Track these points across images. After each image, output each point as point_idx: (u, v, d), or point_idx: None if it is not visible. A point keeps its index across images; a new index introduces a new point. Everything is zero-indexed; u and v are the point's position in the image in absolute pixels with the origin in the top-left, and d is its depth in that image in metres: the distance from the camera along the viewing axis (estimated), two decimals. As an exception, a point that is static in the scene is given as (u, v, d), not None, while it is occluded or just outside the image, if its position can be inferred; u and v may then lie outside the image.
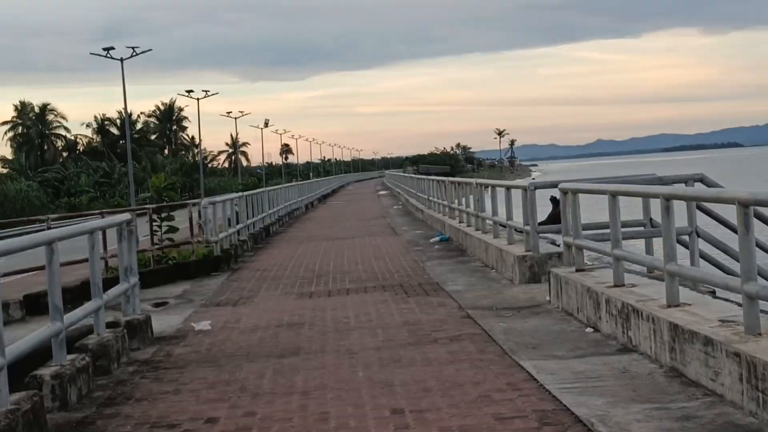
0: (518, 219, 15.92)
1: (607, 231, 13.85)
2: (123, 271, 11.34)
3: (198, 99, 72.96)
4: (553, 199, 46.14)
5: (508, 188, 16.66)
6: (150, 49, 45.07)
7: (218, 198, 22.04)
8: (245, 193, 26.35)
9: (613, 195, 10.08)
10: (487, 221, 19.22)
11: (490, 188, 18.19)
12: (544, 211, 18.79)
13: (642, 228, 13.92)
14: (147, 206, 18.41)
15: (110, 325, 10.67)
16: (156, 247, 18.56)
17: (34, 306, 14.71)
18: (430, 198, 31.82)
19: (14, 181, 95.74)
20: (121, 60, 44.22)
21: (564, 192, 12.06)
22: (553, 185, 14.52)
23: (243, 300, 14.96)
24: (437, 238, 23.57)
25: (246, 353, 10.22)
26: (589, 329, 10.17)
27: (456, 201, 24.48)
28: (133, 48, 44.08)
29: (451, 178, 26.48)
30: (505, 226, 16.44)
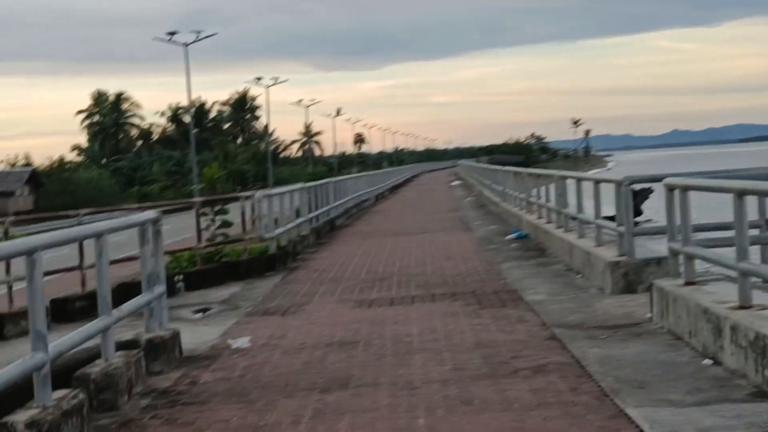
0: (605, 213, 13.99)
1: (711, 235, 11.86)
2: (146, 279, 9.63)
3: (267, 86, 71.70)
4: (633, 191, 43.43)
5: (597, 182, 14.64)
6: (215, 33, 43.95)
7: (274, 191, 20.35)
8: (307, 184, 24.63)
9: (740, 194, 8.06)
10: (572, 218, 17.22)
11: (574, 181, 16.14)
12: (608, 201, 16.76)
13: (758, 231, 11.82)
14: (193, 200, 16.79)
15: (128, 345, 8.99)
16: (204, 245, 16.89)
17: (61, 312, 13.17)
18: (506, 190, 29.78)
19: (87, 169, 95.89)
20: (185, 45, 42.91)
21: (670, 188, 10.05)
22: (653, 179, 12.52)
23: (294, 307, 13.21)
24: (514, 236, 21.59)
25: (284, 383, 8.43)
26: (707, 361, 8.17)
27: (535, 194, 22.47)
28: (197, 32, 42.86)
29: (529, 169, 24.46)
30: (593, 225, 14.42)
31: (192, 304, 14.39)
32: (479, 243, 21.15)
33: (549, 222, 19.43)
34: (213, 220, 18.59)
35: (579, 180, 15.86)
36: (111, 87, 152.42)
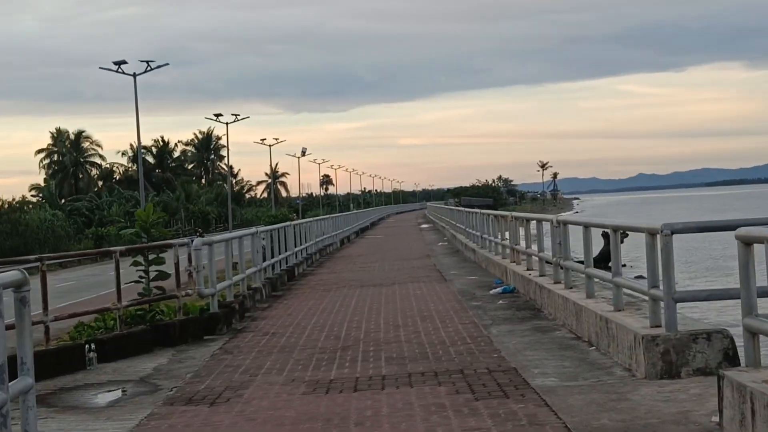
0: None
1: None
2: (-3, 371, 6.53)
3: (227, 123, 68.67)
4: (605, 235, 40.98)
5: (620, 232, 11.59)
6: (166, 64, 40.77)
7: (217, 237, 17.25)
8: (259, 229, 21.57)
9: None
10: (574, 272, 14.29)
11: (580, 228, 13.17)
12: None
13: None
14: (113, 248, 13.71)
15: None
16: (126, 304, 13.76)
17: None
18: (484, 236, 26.91)
19: (41, 209, 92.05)
20: (134, 75, 39.85)
21: (746, 242, 7.15)
22: (701, 229, 9.58)
23: (228, 392, 10.12)
24: (499, 290, 18.63)
25: None
26: None
27: (522, 241, 19.58)
28: (147, 62, 39.78)
29: (515, 213, 21.57)
30: (612, 285, 11.45)
31: (101, 384, 11.27)
32: (459, 298, 18.15)
33: (542, 275, 16.52)
34: (146, 272, 15.54)
35: (586, 227, 12.88)
36: (74, 126, 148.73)
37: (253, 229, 21.04)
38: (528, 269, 18.15)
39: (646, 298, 10.42)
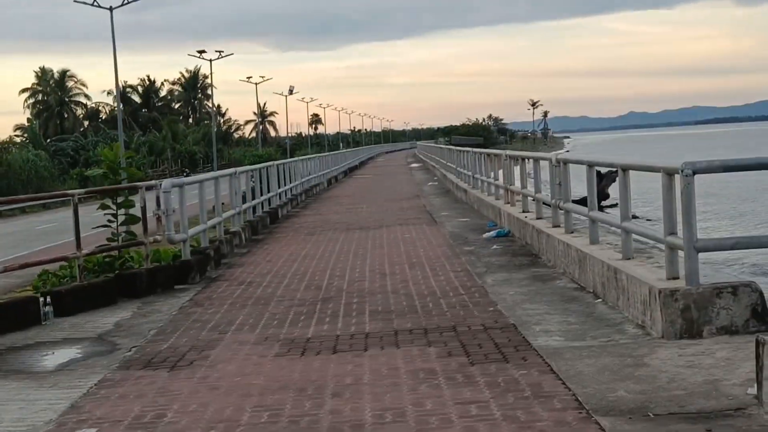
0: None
1: None
2: None
3: (211, 60, 67.01)
4: (598, 174, 40.09)
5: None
6: (141, -3, 39.12)
7: (188, 179, 16.03)
8: (237, 170, 20.33)
9: None
10: (574, 215, 13.17)
11: (585, 167, 11.98)
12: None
13: None
14: (70, 191, 12.49)
15: None
16: (85, 252, 12.57)
17: None
18: (476, 176, 25.75)
19: (23, 150, 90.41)
20: (110, 9, 38.30)
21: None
22: (727, 168, 8.42)
23: (193, 353, 9.01)
24: (493, 234, 17.51)
25: None
26: None
27: (517, 181, 18.44)
28: (124, -6, 38.14)
29: (509, 151, 20.37)
30: (621, 230, 10.30)
31: (54, 342, 10.16)
32: (450, 242, 17.04)
33: (539, 218, 15.40)
34: (115, 216, 14.36)
35: (590, 166, 11.67)
36: (61, 66, 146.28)
37: (231, 170, 19.82)
38: (524, 211, 17.03)
39: (660, 246, 9.34)
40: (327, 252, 16.78)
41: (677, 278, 8.52)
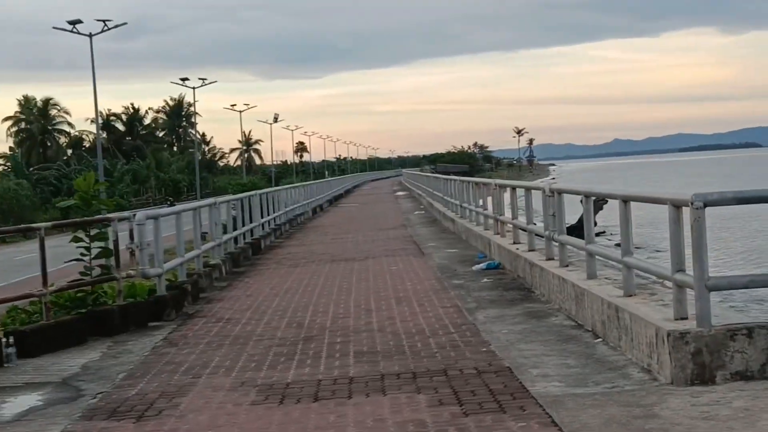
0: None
1: None
2: None
3: (194, 88, 66.41)
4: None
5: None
6: (125, 23, 38.47)
7: (164, 210, 15.32)
8: (217, 199, 19.67)
9: None
10: (569, 248, 12.55)
11: (588, 200, 11.34)
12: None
13: None
14: (36, 225, 11.80)
15: None
16: (52, 289, 11.86)
17: None
18: (464, 205, 25.15)
19: (4, 179, 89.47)
20: (90, 35, 37.65)
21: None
22: (740, 200, 7.79)
23: (163, 400, 8.31)
24: (482, 266, 16.87)
25: None
26: None
27: (508, 211, 17.83)
28: (104, 21, 37.49)
29: (499, 180, 19.77)
30: (623, 265, 9.65)
31: (15, 387, 9.45)
32: (439, 275, 16.38)
33: (532, 250, 14.78)
34: (88, 248, 13.66)
35: (587, 197, 11.04)
36: (45, 94, 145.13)
37: (210, 200, 19.17)
38: (514, 242, 16.41)
39: (667, 283, 8.72)
40: (310, 286, 16.11)
41: (686, 318, 7.89)
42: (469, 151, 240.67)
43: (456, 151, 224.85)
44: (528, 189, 15.18)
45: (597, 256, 11.07)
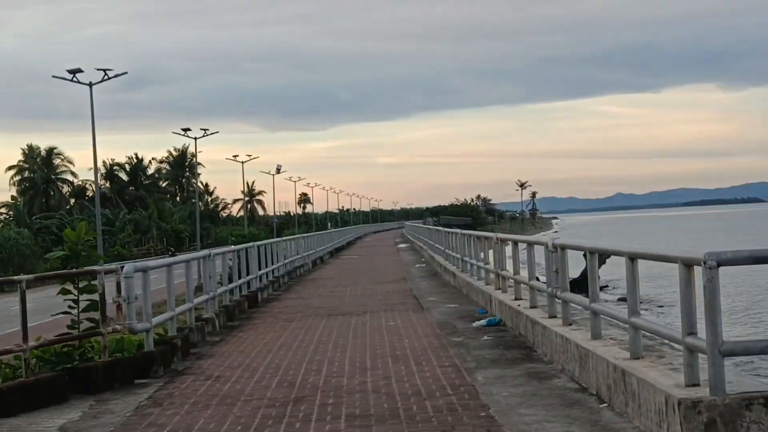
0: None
1: None
2: None
3: (196, 138, 66.21)
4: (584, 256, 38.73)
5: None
6: (125, 72, 38.31)
7: (153, 262, 14.84)
8: (213, 251, 19.22)
9: None
10: (573, 305, 12.07)
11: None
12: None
13: None
14: (18, 277, 11.35)
15: None
16: (33, 345, 11.36)
17: None
18: (465, 258, 24.69)
19: (6, 227, 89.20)
20: (90, 84, 37.48)
21: None
22: (757, 259, 7.31)
23: (140, 468, 7.81)
24: (483, 322, 16.37)
25: None
26: None
27: (509, 266, 17.37)
28: (105, 70, 37.37)
29: (500, 234, 19.32)
30: (630, 326, 9.17)
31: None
32: (438, 332, 15.87)
33: (534, 307, 14.30)
34: (76, 301, 13.19)
35: (591, 253, 10.59)
36: (49, 143, 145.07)
37: (205, 252, 18.72)
38: (516, 298, 15.94)
39: (676, 345, 8.24)
40: (305, 341, 15.60)
41: (698, 385, 7.40)
42: (472, 203, 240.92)
43: (459, 204, 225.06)
44: (530, 244, 14.71)
45: (602, 315, 10.60)
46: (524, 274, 15.89)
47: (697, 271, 7.23)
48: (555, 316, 12.71)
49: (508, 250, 18.77)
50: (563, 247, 12.11)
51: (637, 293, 8.99)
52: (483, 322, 16.33)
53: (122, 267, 12.97)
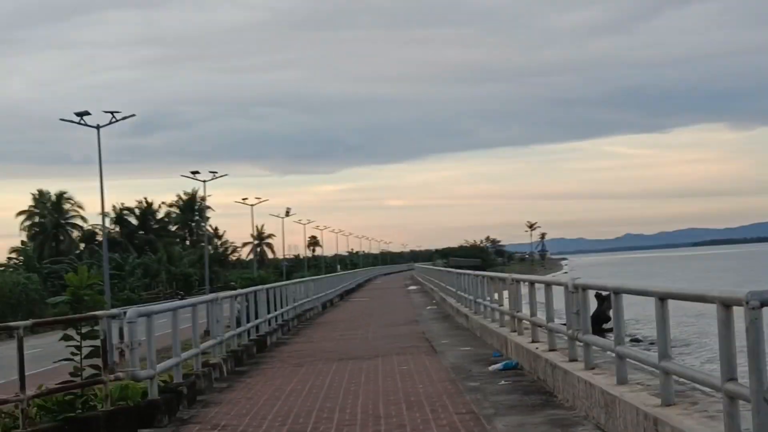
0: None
1: None
2: None
3: (204, 181, 65.92)
4: (599, 296, 37.95)
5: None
6: (133, 115, 38.15)
7: (157, 306, 14.35)
8: (219, 295, 18.75)
9: None
10: (595, 348, 11.54)
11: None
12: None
13: None
14: (16, 324, 10.86)
15: None
16: (32, 394, 10.86)
17: None
18: (478, 300, 24.18)
19: (15, 272, 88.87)
20: (98, 127, 37.25)
21: None
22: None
23: None
24: (499, 366, 15.83)
25: None
26: None
27: (525, 307, 16.86)
28: (112, 113, 37.22)
29: (516, 275, 18.80)
30: (661, 371, 8.63)
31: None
32: (452, 376, 15.33)
33: (552, 350, 13.77)
34: (79, 348, 12.71)
35: (616, 293, 10.07)
36: (59, 188, 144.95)
37: (212, 296, 18.26)
38: (533, 341, 15.41)
39: (712, 391, 7.71)
40: (315, 387, 15.07)
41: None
42: (481, 245, 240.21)
43: (468, 246, 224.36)
44: (548, 284, 14.20)
45: (628, 359, 10.06)
46: (540, 315, 15.37)
47: (737, 311, 6.72)
48: (576, 360, 12.17)
49: (524, 291, 18.28)
50: (584, 288, 11.60)
51: (668, 336, 8.47)
52: (499, 365, 15.78)
53: (125, 312, 12.48)
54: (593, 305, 25.28)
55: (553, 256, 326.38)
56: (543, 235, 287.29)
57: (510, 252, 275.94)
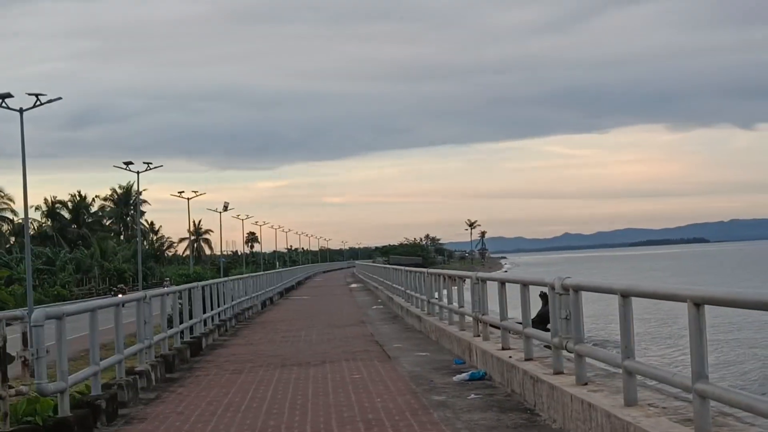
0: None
1: None
2: None
3: (138, 172, 63.27)
4: (543, 296, 36.64)
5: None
6: (59, 98, 35.68)
7: (71, 307, 12.24)
8: (151, 293, 16.71)
9: None
10: (587, 360, 9.82)
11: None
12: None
13: None
14: None
15: None
16: None
17: None
18: (432, 300, 22.43)
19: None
20: (21, 111, 34.82)
21: None
22: None
23: None
24: (465, 376, 14.04)
25: None
26: None
27: (485, 306, 15.14)
28: (37, 95, 34.73)
29: (482, 273, 17.00)
30: (694, 394, 6.90)
31: None
32: (413, 387, 13.51)
33: (529, 359, 12.05)
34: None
35: (624, 296, 8.35)
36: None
37: (140, 294, 16.22)
38: (503, 348, 13.69)
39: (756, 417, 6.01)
40: (256, 400, 13.16)
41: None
42: (421, 243, 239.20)
43: (408, 243, 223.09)
44: (525, 284, 12.43)
45: (629, 374, 8.34)
46: (514, 319, 13.65)
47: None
48: (562, 372, 10.47)
49: (490, 293, 16.55)
50: (577, 289, 9.86)
51: (705, 349, 6.75)
52: (465, 375, 14.00)
53: (26, 313, 10.47)
54: (538, 304, 23.65)
55: (493, 255, 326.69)
56: (483, 234, 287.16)
57: (450, 250, 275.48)
